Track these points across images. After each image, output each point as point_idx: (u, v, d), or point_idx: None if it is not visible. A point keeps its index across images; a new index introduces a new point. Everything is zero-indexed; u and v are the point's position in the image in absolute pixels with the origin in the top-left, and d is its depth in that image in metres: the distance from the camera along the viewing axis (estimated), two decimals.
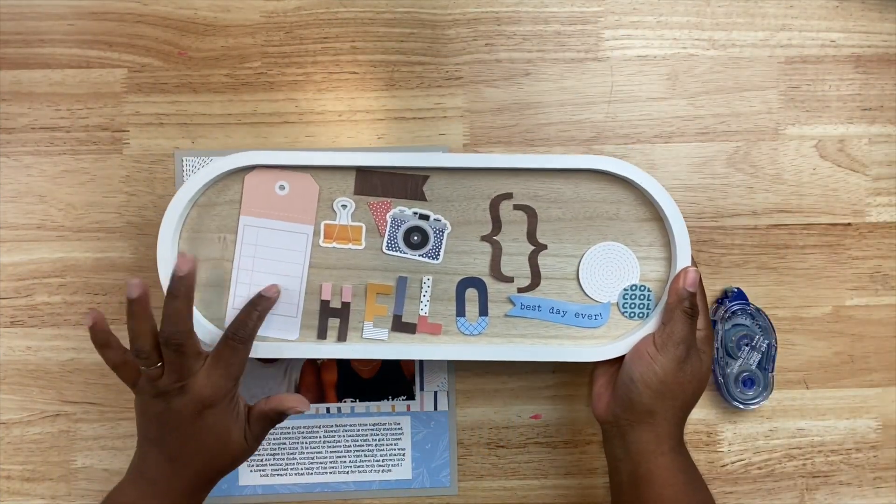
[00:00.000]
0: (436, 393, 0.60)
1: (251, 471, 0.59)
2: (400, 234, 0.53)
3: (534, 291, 0.54)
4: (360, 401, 0.60)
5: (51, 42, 0.59)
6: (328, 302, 0.53)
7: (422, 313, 0.54)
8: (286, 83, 0.59)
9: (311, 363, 0.59)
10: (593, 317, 0.54)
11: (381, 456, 0.60)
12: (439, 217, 0.53)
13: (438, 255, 0.53)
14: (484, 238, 0.54)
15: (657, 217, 0.53)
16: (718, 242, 0.60)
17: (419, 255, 0.53)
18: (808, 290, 0.61)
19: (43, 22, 0.59)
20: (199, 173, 0.52)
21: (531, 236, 0.54)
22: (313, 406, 0.59)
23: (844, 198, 0.61)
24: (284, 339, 0.53)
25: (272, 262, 0.53)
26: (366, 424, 0.60)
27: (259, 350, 0.52)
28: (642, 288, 0.53)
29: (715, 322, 0.59)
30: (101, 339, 0.48)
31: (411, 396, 0.60)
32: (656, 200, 0.52)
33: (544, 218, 0.53)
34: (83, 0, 0.59)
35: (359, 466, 0.60)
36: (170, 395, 0.48)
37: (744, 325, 0.59)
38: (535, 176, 0.53)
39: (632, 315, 0.54)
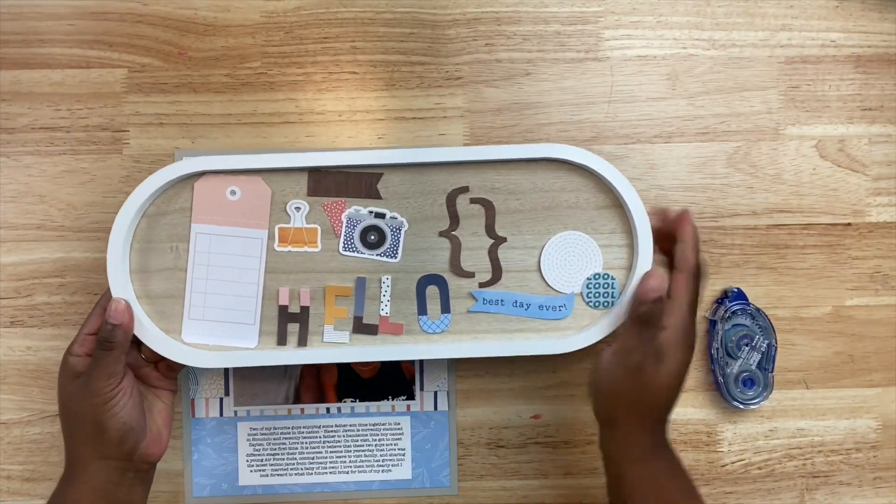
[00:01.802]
0: (436, 393, 0.60)
1: (251, 471, 0.59)
2: (356, 234, 0.53)
3: (496, 285, 0.53)
4: (360, 401, 0.60)
5: (51, 42, 0.59)
6: (286, 307, 0.53)
7: (383, 313, 0.53)
8: (286, 83, 0.59)
9: (311, 364, 0.59)
10: (558, 308, 0.53)
11: (381, 456, 0.60)
12: (395, 215, 0.53)
13: (396, 253, 0.53)
14: (442, 234, 0.53)
15: (617, 204, 0.53)
16: (718, 242, 0.60)
17: (377, 255, 0.53)
18: (808, 290, 0.61)
19: (43, 22, 0.59)
20: (146, 182, 0.51)
21: (490, 229, 0.53)
22: (313, 406, 0.59)
23: (844, 198, 0.61)
24: (242, 347, 0.53)
25: (226, 269, 0.52)
26: (366, 424, 0.60)
27: (216, 360, 0.52)
28: (606, 276, 0.53)
29: (715, 322, 0.59)
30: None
31: (411, 396, 0.60)
32: (615, 187, 0.52)
33: (502, 210, 0.53)
34: (83, 0, 0.59)
35: (359, 466, 0.60)
36: None
37: (744, 325, 0.59)
38: (492, 168, 0.53)
39: (596, 304, 0.53)
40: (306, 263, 0.53)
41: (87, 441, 0.49)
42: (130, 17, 0.59)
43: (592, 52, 0.60)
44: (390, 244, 0.53)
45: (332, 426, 0.60)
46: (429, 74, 0.60)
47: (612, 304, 0.53)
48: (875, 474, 0.61)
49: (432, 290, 0.53)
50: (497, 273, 0.53)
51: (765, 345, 0.59)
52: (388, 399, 0.60)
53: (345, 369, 0.59)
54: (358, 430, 0.60)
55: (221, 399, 0.59)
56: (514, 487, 0.61)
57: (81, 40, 0.59)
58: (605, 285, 0.53)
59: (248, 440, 0.59)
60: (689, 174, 0.60)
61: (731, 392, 0.59)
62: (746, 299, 0.59)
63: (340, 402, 0.60)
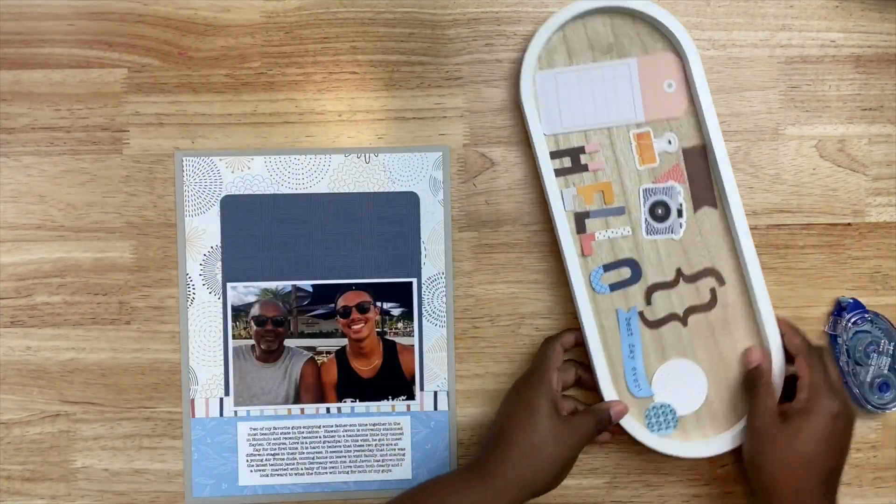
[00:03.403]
0: (436, 393, 0.60)
1: (251, 471, 0.59)
2: None
3: None
4: (360, 401, 0.60)
5: (51, 42, 0.59)
6: None
7: None
8: (286, 83, 0.59)
9: (312, 363, 0.59)
10: None
11: (381, 456, 0.60)
12: None
13: None
14: None
15: None
16: None
17: None
18: (808, 290, 0.61)
19: (43, 22, 0.59)
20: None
21: None
22: (313, 406, 0.60)
23: (844, 198, 0.61)
24: None
25: None
26: (366, 424, 0.60)
27: None
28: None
29: (836, 336, 0.59)
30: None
31: (411, 396, 0.60)
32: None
33: None
34: (83, 0, 0.59)
35: (359, 466, 0.60)
36: None
37: (867, 332, 0.59)
38: None
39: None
40: None
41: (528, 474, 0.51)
42: (130, 17, 0.59)
43: None
44: None
45: (332, 426, 0.60)
46: (429, 74, 0.60)
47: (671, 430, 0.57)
48: (875, 474, 0.61)
49: None
50: None
51: (891, 347, 0.59)
52: (388, 399, 0.60)
53: (345, 369, 0.60)
54: (358, 430, 0.60)
55: (221, 399, 0.59)
56: None
57: (81, 40, 0.59)
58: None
59: (248, 440, 0.59)
60: None
61: (869, 399, 0.59)
62: (863, 307, 0.59)
63: (340, 402, 0.60)
